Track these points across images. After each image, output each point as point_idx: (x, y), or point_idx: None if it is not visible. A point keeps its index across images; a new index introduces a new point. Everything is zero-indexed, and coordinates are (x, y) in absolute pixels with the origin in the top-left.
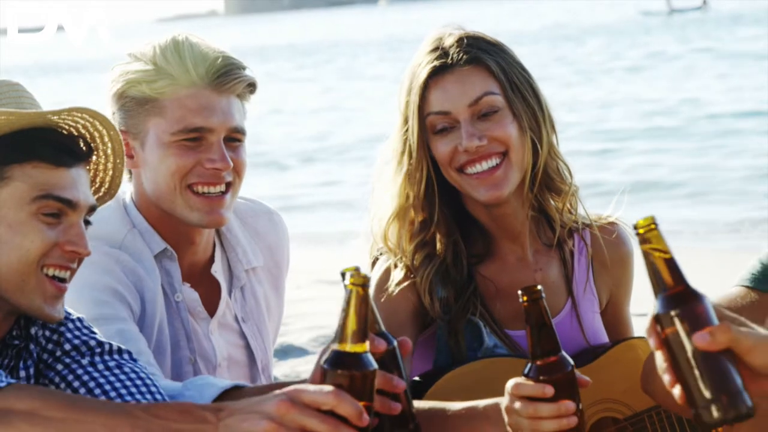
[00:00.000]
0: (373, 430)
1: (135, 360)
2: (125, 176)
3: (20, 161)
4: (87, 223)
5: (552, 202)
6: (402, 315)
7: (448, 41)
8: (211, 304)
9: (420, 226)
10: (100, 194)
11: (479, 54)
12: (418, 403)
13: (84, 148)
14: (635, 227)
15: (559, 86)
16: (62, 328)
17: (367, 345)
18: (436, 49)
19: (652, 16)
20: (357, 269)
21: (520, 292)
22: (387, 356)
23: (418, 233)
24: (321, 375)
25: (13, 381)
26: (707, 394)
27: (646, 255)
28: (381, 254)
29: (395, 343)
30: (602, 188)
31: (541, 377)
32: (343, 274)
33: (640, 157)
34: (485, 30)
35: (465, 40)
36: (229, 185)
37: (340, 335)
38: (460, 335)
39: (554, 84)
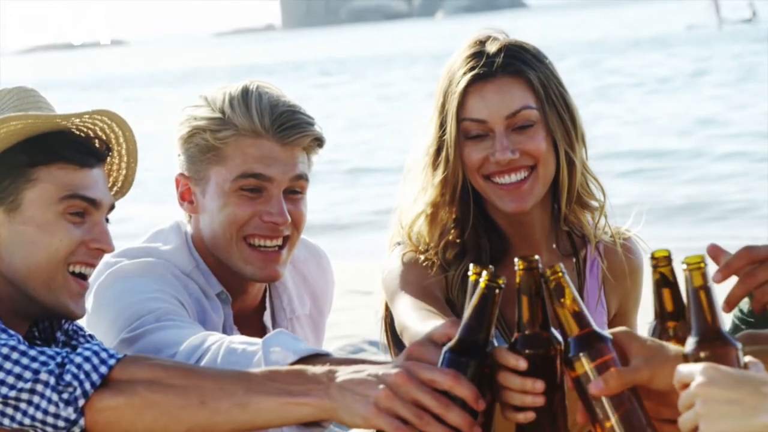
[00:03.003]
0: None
1: None
2: (185, 217)
3: (46, 163)
4: (106, 221)
5: (579, 216)
6: (440, 297)
7: (491, 47)
8: None
9: (453, 224)
10: (112, 193)
11: (521, 66)
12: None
13: (102, 148)
14: (543, 275)
15: (605, 100)
16: (80, 338)
17: (485, 338)
18: (478, 54)
19: (699, 29)
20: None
21: (516, 259)
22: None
23: (449, 231)
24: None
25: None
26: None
27: (553, 303)
28: (400, 244)
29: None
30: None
31: (519, 349)
32: (479, 273)
33: (694, 175)
34: (533, 41)
35: (508, 49)
36: (286, 239)
37: (478, 328)
38: None
39: (600, 98)
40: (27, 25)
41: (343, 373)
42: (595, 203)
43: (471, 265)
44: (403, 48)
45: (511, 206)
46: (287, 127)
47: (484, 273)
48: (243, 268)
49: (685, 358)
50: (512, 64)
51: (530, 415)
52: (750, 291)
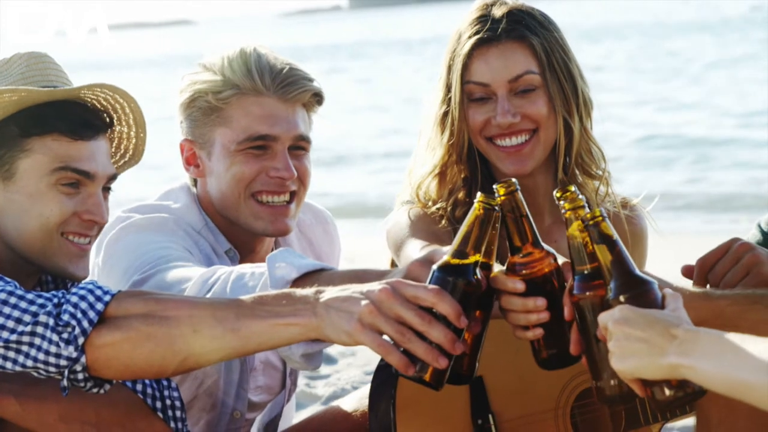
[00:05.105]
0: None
1: None
2: (189, 181)
3: (40, 134)
4: (108, 190)
5: (584, 183)
6: (448, 244)
7: (498, 12)
8: None
9: (462, 182)
10: (126, 159)
11: (525, 32)
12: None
13: (105, 119)
14: (582, 217)
15: (663, 82)
16: None
17: (476, 259)
18: (484, 17)
19: (764, 11)
20: (499, 188)
21: (495, 186)
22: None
23: (458, 189)
24: (429, 280)
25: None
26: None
27: (573, 237)
28: (407, 202)
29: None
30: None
31: (515, 272)
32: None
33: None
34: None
35: (514, 14)
36: (293, 194)
37: (467, 248)
38: None
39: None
40: (25, 23)
41: (330, 292)
42: (599, 171)
43: (479, 194)
44: None
45: (511, 168)
46: (288, 83)
47: (479, 194)
48: (253, 224)
49: (609, 305)
50: (516, 29)
51: (539, 332)
52: (718, 284)
